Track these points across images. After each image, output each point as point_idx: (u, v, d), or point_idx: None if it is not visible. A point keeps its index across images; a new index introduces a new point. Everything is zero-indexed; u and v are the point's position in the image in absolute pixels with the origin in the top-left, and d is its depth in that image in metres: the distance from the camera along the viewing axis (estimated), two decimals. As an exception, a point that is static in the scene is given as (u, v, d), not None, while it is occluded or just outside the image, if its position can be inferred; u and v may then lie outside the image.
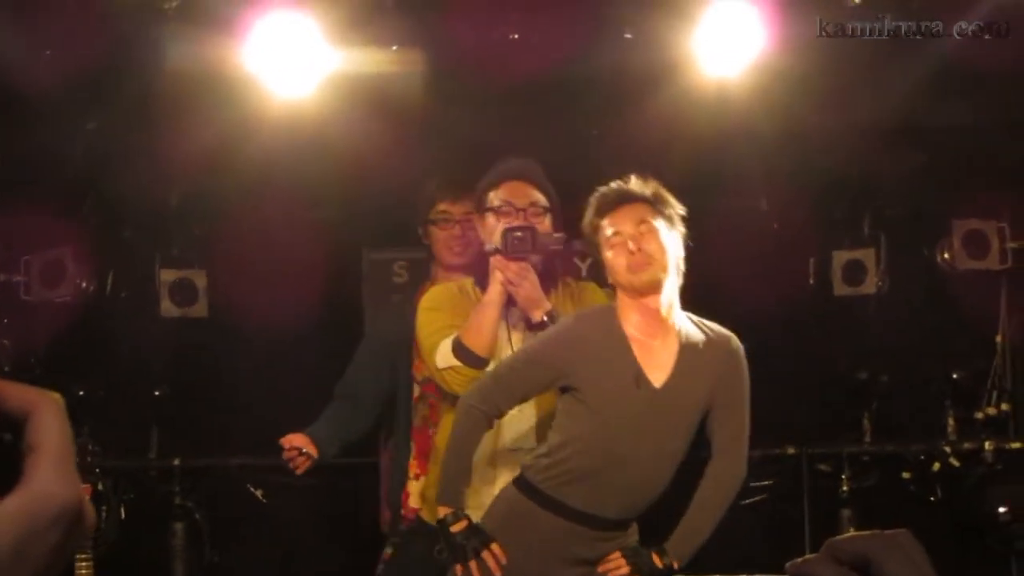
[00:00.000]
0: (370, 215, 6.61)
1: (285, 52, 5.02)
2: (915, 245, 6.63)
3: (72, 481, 1.14)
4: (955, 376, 6.52)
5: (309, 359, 6.46)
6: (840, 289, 6.59)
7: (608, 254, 3.66)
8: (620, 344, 3.65)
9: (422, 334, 4.09)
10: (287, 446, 4.40)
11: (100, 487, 6.07)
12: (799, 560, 4.17)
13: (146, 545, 6.43)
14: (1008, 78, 5.42)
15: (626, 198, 3.67)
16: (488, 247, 4.00)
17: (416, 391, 4.51)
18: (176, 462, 6.46)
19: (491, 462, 3.97)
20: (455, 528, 3.63)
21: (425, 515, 4.17)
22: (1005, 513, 6.14)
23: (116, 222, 6.60)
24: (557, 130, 5.97)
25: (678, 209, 3.71)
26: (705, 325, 3.78)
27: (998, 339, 6.49)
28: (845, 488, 6.39)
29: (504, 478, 3.89)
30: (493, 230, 4.04)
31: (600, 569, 3.72)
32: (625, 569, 3.71)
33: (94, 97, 5.61)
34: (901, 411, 6.64)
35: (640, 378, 3.62)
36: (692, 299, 3.88)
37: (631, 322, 3.66)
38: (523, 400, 3.81)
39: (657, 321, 3.66)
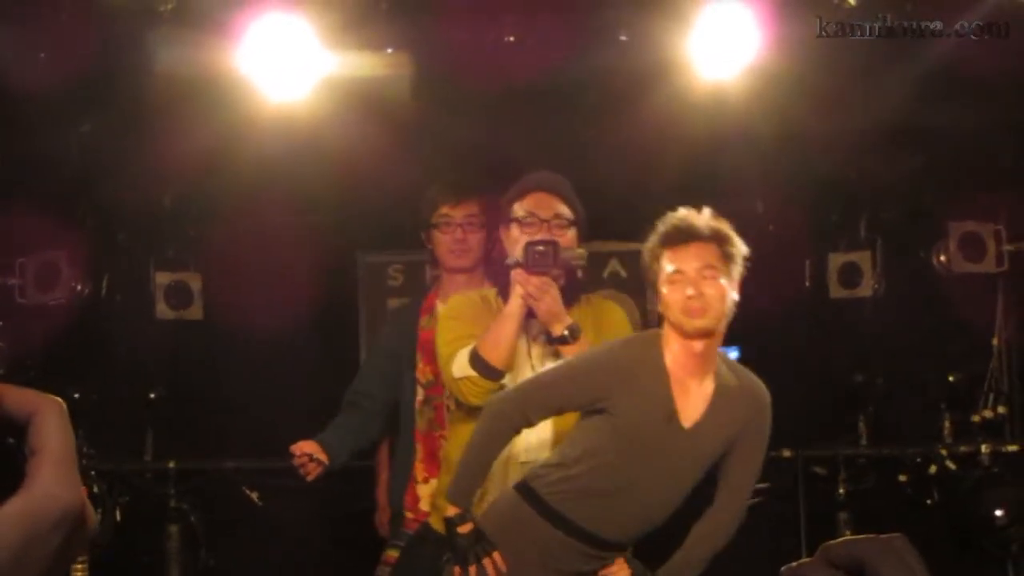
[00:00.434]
0: (365, 218, 6.61)
1: (279, 55, 5.02)
2: (911, 248, 6.62)
3: (74, 484, 1.14)
4: (951, 379, 6.51)
5: (304, 362, 6.47)
6: (836, 291, 6.59)
7: (664, 289, 3.60)
8: (660, 378, 3.63)
9: (440, 341, 4.06)
10: (297, 452, 4.40)
11: (95, 489, 6.05)
12: (794, 564, 4.17)
13: (141, 548, 6.43)
14: (1004, 81, 5.42)
15: (693, 236, 3.60)
16: (509, 260, 3.95)
17: (420, 394, 4.51)
18: (171, 465, 6.46)
19: (504, 470, 3.94)
20: (461, 529, 3.63)
21: (434, 522, 4.15)
22: (1001, 516, 6.13)
23: (111, 225, 6.59)
24: (552, 133, 5.96)
25: (741, 249, 3.64)
26: (739, 370, 3.77)
27: (994, 342, 6.48)
28: (841, 491, 6.39)
29: None
30: (516, 242, 3.99)
31: (601, 574, 3.72)
32: (627, 571, 3.72)
33: (89, 100, 5.61)
34: (897, 414, 6.63)
35: (672, 416, 3.62)
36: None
37: (673, 355, 3.63)
38: (556, 415, 3.78)
39: (698, 361, 3.63)
